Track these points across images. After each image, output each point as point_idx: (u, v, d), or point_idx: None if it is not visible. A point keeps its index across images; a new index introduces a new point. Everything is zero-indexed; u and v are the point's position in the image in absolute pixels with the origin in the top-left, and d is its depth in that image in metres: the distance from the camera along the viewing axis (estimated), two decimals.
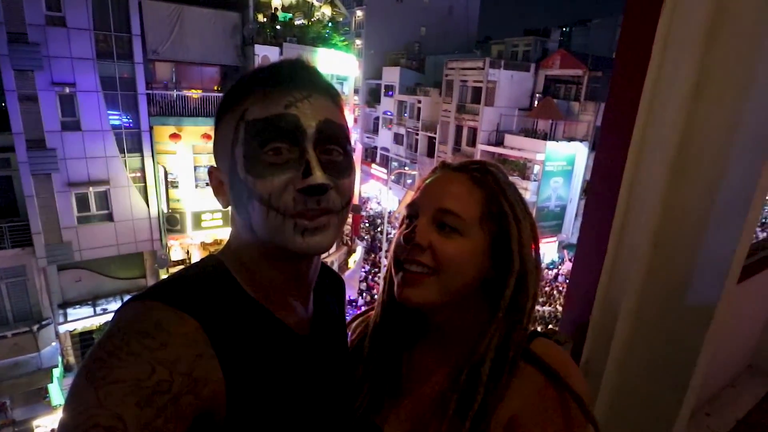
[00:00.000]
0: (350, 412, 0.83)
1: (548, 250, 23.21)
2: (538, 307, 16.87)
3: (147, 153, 11.96)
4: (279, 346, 0.68)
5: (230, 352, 0.59)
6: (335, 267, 15.29)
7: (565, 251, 23.01)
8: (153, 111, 11.96)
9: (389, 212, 21.09)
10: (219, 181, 0.70)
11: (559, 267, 22.52)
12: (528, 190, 21.36)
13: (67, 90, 10.63)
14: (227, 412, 0.58)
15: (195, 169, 12.67)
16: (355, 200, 18.38)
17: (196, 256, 14.84)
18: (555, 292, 19.21)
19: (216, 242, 14.46)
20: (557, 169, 21.68)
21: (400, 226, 0.86)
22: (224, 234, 13.18)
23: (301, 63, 0.67)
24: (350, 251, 16.74)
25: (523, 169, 21.97)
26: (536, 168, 21.55)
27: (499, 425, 0.72)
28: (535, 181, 21.43)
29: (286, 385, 0.67)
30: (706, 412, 2.37)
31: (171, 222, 12.39)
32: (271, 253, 0.68)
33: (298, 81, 0.65)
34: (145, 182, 12.08)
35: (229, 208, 0.71)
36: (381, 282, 0.94)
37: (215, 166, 0.70)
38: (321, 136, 0.63)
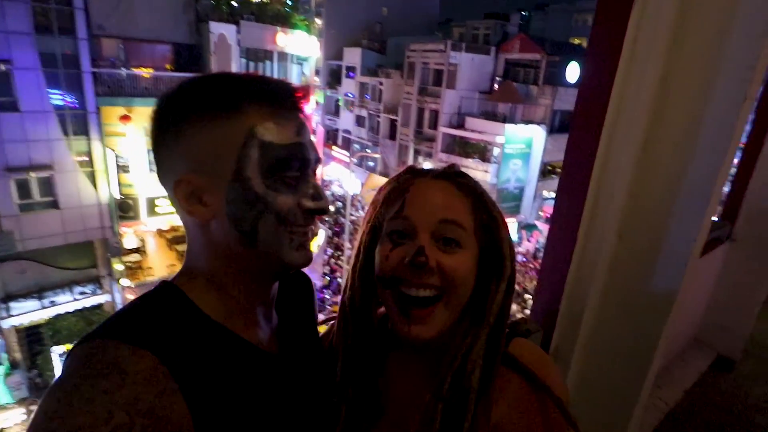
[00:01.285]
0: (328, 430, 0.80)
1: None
2: None
3: (94, 135, 11.26)
4: (247, 369, 0.66)
5: (194, 383, 0.57)
6: None
7: (524, 231, 23.70)
8: (100, 91, 11.23)
9: (352, 195, 21.02)
10: (192, 189, 0.64)
11: (518, 248, 23.18)
12: (488, 173, 21.78)
13: (3, 67, 9.83)
14: None
15: (148, 153, 12.09)
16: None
17: (152, 244, 14.32)
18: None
19: (173, 229, 13.95)
20: (516, 152, 22.17)
21: (384, 239, 0.79)
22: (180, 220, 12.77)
23: (301, 87, 0.72)
24: (312, 235, 16.58)
25: (483, 151, 22.34)
26: (496, 150, 21.94)
27: (484, 429, 0.71)
28: (494, 163, 21.84)
29: (258, 409, 0.65)
30: (657, 384, 2.51)
31: (123, 208, 11.81)
32: (251, 269, 0.68)
33: (296, 103, 0.68)
34: (93, 167, 11.39)
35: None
36: (344, 293, 0.87)
37: (188, 171, 0.64)
38: (315, 162, 0.71)
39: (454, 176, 0.80)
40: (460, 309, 0.76)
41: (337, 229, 22.29)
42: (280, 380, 0.71)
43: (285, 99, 0.67)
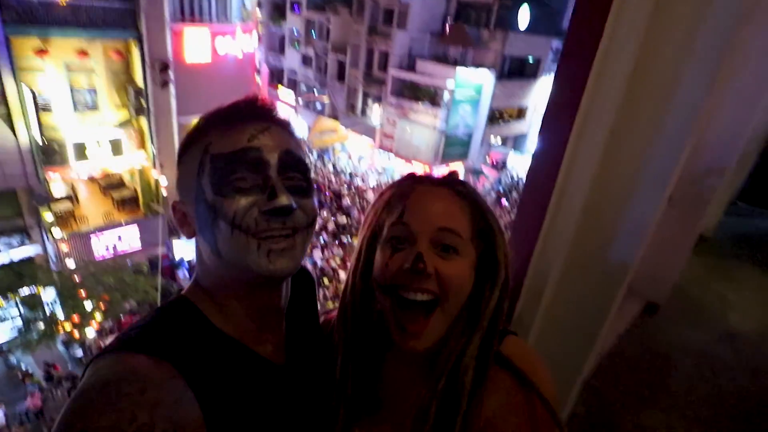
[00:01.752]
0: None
1: None
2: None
3: (6, 71, 10.03)
4: (256, 380, 0.70)
5: (208, 392, 0.61)
6: None
7: (470, 176, 24.28)
8: (8, 18, 9.92)
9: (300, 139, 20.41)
10: (182, 213, 0.73)
11: None
12: (438, 118, 21.77)
13: None
14: None
15: (72, 92, 11.02)
16: None
17: (84, 192, 13.42)
18: None
19: (106, 175, 13.09)
20: (466, 97, 22.19)
21: (384, 245, 0.80)
22: (115, 166, 11.94)
23: (257, 100, 0.74)
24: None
25: (433, 96, 22.17)
26: (446, 95, 21.85)
27: (476, 428, 0.76)
28: (444, 108, 21.81)
29: (265, 417, 0.68)
30: None
31: (48, 153, 10.86)
32: (239, 282, 0.70)
33: (256, 115, 0.72)
34: (7, 107, 10.25)
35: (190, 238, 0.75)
36: (345, 295, 0.89)
37: (179, 201, 0.74)
38: (282, 164, 0.70)
39: (453, 184, 0.82)
40: (456, 314, 0.79)
41: None
42: (286, 390, 0.74)
43: (237, 111, 0.71)
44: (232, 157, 0.67)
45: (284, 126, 0.75)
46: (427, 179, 0.84)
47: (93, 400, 0.52)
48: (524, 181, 1.52)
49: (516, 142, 27.47)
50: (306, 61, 27.84)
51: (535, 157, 1.50)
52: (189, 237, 0.74)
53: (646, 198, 1.39)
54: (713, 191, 3.04)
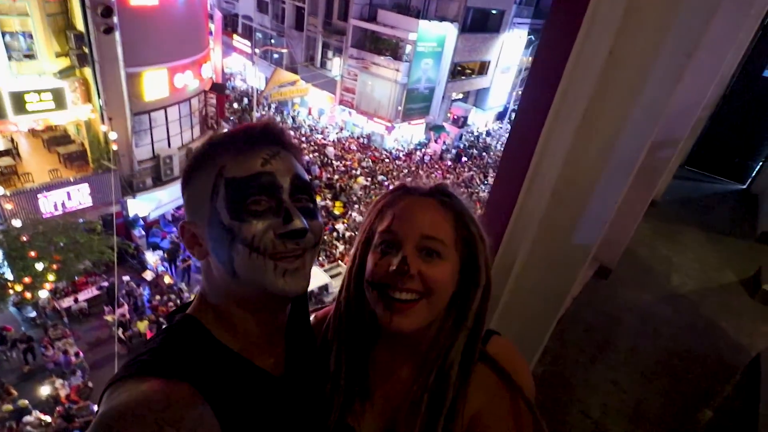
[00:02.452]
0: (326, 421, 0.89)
1: (416, 131, 24.27)
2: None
3: None
4: (260, 393, 0.74)
5: (223, 407, 0.64)
6: None
7: (432, 132, 24.29)
8: None
9: (257, 91, 19.66)
10: (192, 233, 0.75)
11: (426, 149, 23.87)
12: (399, 71, 21.37)
13: None
14: None
15: (4, 36, 10.01)
16: (218, 78, 16.33)
17: (26, 146, 12.53)
18: (420, 171, 20.58)
19: (49, 128, 12.21)
20: (428, 50, 21.80)
21: (375, 249, 0.87)
22: (58, 118, 11.11)
23: (269, 124, 0.76)
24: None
25: (395, 48, 21.64)
26: (408, 48, 21.38)
27: (463, 424, 0.83)
28: (406, 61, 21.39)
29: (271, 427, 0.73)
30: None
31: None
32: (251, 300, 0.74)
33: (267, 139, 0.74)
34: None
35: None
36: (341, 293, 0.96)
37: (188, 221, 0.76)
38: (294, 188, 0.74)
39: (439, 195, 0.88)
40: (440, 309, 0.85)
41: None
42: (285, 400, 0.78)
43: (250, 136, 0.74)
44: (248, 182, 0.70)
45: (292, 149, 0.78)
46: (416, 190, 0.89)
47: (118, 418, 0.54)
48: (499, 161, 1.56)
49: (477, 97, 27.50)
50: (261, 6, 26.33)
51: (510, 139, 1.54)
52: (200, 258, 0.76)
53: (613, 182, 1.46)
54: (667, 162, 3.22)
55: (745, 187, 5.21)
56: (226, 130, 0.77)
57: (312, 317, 1.03)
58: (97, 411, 0.59)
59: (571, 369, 2.58)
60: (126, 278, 11.63)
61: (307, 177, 0.78)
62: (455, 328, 0.85)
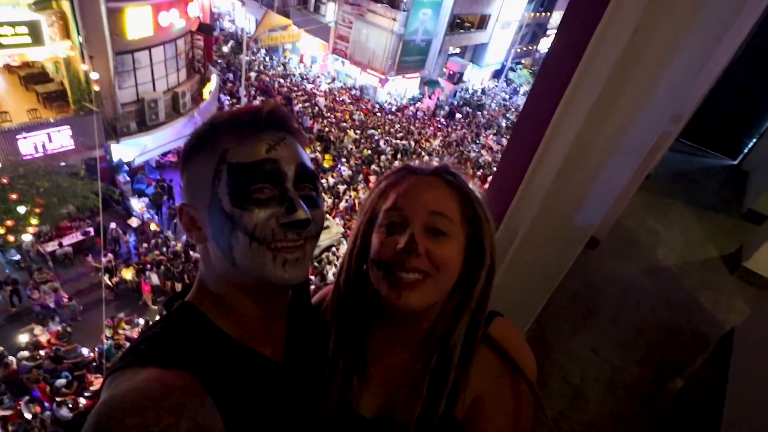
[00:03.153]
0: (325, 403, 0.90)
1: (410, 85, 23.73)
2: (397, 141, 17.87)
3: None
4: (261, 380, 0.74)
5: (223, 394, 0.64)
6: (187, 98, 13.73)
7: (426, 87, 23.77)
8: None
9: (247, 34, 18.84)
10: (191, 216, 0.73)
11: (419, 103, 23.44)
12: (396, 21, 20.60)
13: None
14: None
15: None
16: (206, 18, 15.53)
17: (1, 84, 11.95)
18: (412, 127, 20.30)
19: (26, 65, 11.62)
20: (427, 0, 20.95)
21: (380, 228, 0.85)
22: (34, 54, 10.51)
23: (274, 107, 0.73)
24: (204, 80, 14.94)
25: None
26: None
27: (461, 408, 0.83)
28: (404, 10, 20.56)
29: (272, 414, 0.73)
30: None
31: None
32: (251, 287, 0.73)
33: (272, 123, 0.72)
34: None
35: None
36: (340, 274, 0.93)
37: (186, 203, 0.74)
38: (298, 177, 0.72)
39: (444, 174, 0.87)
40: (448, 289, 0.84)
41: (229, 75, 20.35)
42: (286, 387, 0.78)
43: (256, 120, 0.71)
44: (252, 168, 0.68)
45: (297, 134, 0.76)
46: (420, 170, 0.88)
47: (118, 407, 0.54)
48: (511, 133, 1.54)
49: (475, 53, 26.79)
50: None
51: (524, 112, 1.50)
52: (199, 242, 0.74)
53: (620, 167, 1.46)
54: (668, 138, 3.21)
55: (736, 163, 5.26)
56: (228, 111, 0.73)
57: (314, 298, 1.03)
58: (98, 400, 0.59)
59: (555, 336, 2.67)
60: (112, 225, 11.50)
61: (311, 164, 0.76)
62: (459, 308, 0.85)
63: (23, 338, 9.06)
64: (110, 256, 10.77)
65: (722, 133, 5.29)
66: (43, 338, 9.10)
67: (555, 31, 1.56)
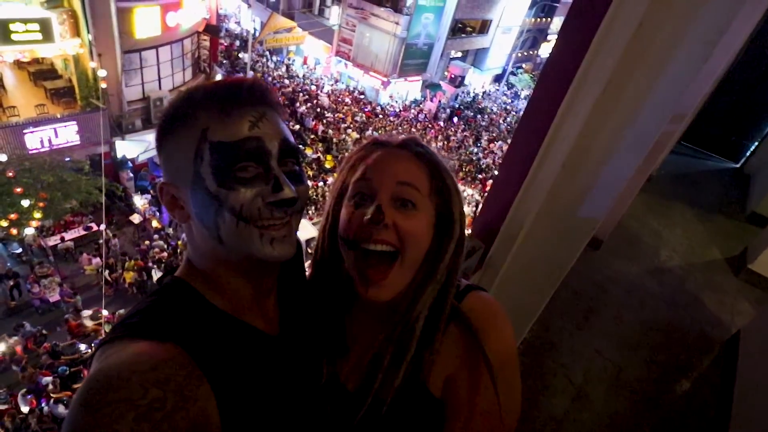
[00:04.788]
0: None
1: (412, 88, 23.78)
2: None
3: None
4: (255, 352, 0.73)
5: (214, 367, 0.63)
6: None
7: (428, 91, 23.82)
8: None
9: (253, 35, 18.92)
10: (172, 195, 0.71)
11: (421, 106, 23.48)
12: (399, 25, 20.66)
13: None
14: (222, 423, 0.63)
15: None
16: (213, 19, 15.64)
17: (10, 78, 12.02)
18: (413, 129, 20.31)
19: (36, 61, 11.68)
20: (430, 4, 21.01)
21: (348, 202, 0.85)
22: (44, 51, 10.61)
23: (254, 81, 0.71)
24: (209, 80, 14.99)
25: (396, 0, 20.81)
26: (409, 0, 20.58)
27: (437, 386, 0.81)
28: (407, 14, 20.64)
29: (267, 386, 0.72)
30: None
31: None
32: (239, 263, 0.72)
33: (252, 98, 0.69)
34: None
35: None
36: (316, 252, 0.94)
37: (167, 182, 0.72)
38: (281, 153, 0.70)
39: (413, 146, 0.86)
40: (416, 267, 0.83)
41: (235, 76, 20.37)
42: (282, 359, 0.78)
43: (236, 96, 0.68)
44: (235, 147, 0.66)
45: (277, 108, 0.74)
46: (389, 143, 0.88)
47: (104, 380, 0.54)
48: (514, 132, 1.55)
49: (476, 57, 26.86)
50: None
51: (530, 106, 1.52)
52: (182, 221, 0.73)
53: (624, 161, 1.47)
54: (671, 136, 3.22)
55: (738, 166, 5.27)
56: (206, 83, 0.71)
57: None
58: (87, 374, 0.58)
59: (558, 335, 2.68)
60: (102, 227, 11.31)
61: (293, 138, 0.75)
62: (424, 281, 0.83)
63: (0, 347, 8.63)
64: (98, 260, 10.58)
65: (724, 136, 5.30)
66: (20, 347, 8.72)
67: (555, 36, 1.57)
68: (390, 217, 0.79)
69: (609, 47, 1.29)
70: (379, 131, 18.90)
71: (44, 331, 9.21)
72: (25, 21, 9.82)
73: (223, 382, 0.63)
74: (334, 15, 22.81)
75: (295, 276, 0.90)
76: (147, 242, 11.49)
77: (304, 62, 24.58)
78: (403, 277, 0.81)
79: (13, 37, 9.80)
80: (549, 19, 27.95)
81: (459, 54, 25.69)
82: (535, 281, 1.82)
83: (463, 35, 24.44)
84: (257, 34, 20.09)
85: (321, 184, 14.64)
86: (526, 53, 28.93)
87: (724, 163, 5.36)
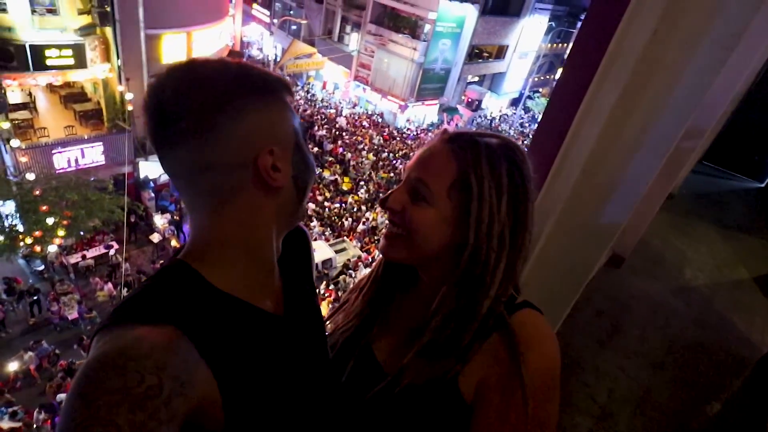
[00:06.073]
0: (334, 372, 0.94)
1: (429, 112, 24.03)
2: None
3: None
4: (260, 333, 0.72)
5: (215, 349, 0.62)
6: None
7: (445, 114, 24.05)
8: None
9: (274, 61, 19.45)
10: (273, 162, 0.69)
11: (437, 129, 23.65)
12: (417, 50, 21.06)
13: None
14: (225, 407, 0.62)
15: None
16: (237, 45, 16.22)
17: (43, 101, 12.56)
18: None
19: (67, 84, 12.21)
20: (447, 31, 21.42)
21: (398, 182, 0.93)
22: (76, 75, 11.12)
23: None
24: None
25: (414, 26, 21.28)
26: (427, 27, 21.02)
27: (470, 387, 0.81)
28: (424, 41, 21.05)
29: (273, 368, 0.71)
30: None
31: (4, 56, 9.92)
32: (290, 224, 0.81)
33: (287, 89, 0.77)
34: None
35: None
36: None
37: (264, 148, 0.69)
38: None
39: (457, 142, 0.86)
40: (426, 252, 0.87)
41: None
42: (288, 340, 0.77)
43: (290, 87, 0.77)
44: (305, 126, 0.77)
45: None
46: (445, 135, 0.90)
47: (100, 369, 0.53)
48: (531, 139, 1.55)
49: (493, 81, 27.11)
50: None
51: (546, 114, 1.52)
52: (279, 184, 0.71)
53: (644, 164, 1.45)
54: (690, 153, 3.17)
55: (763, 186, 5.14)
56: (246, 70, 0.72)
57: None
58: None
59: (581, 353, 2.60)
60: (112, 251, 11.48)
61: None
62: (443, 279, 0.87)
63: (13, 366, 8.74)
64: (110, 286, 10.73)
65: (746, 155, 5.19)
66: (33, 365, 8.85)
67: None
68: (398, 204, 0.86)
69: (624, 55, 1.29)
70: (396, 153, 19.06)
71: (57, 351, 9.26)
72: (59, 47, 10.32)
73: (225, 365, 0.62)
74: (354, 41, 23.38)
75: (300, 257, 0.93)
76: (162, 262, 11.61)
77: (323, 87, 25.12)
78: (405, 249, 0.87)
79: (48, 62, 10.35)
80: (565, 44, 28.16)
81: (476, 78, 25.99)
82: (555, 289, 1.78)
83: (479, 60, 24.77)
84: (278, 59, 20.67)
85: (337, 205, 14.72)
86: (542, 78, 29.11)
87: (748, 182, 5.24)
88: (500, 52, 25.45)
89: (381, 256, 0.96)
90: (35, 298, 9.97)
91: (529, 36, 25.55)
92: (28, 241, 9.66)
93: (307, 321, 0.85)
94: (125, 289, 10.22)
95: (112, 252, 11.41)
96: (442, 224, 0.83)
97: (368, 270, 1.10)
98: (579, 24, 25.05)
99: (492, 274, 0.82)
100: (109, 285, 10.74)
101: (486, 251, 0.81)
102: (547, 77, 29.47)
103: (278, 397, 0.71)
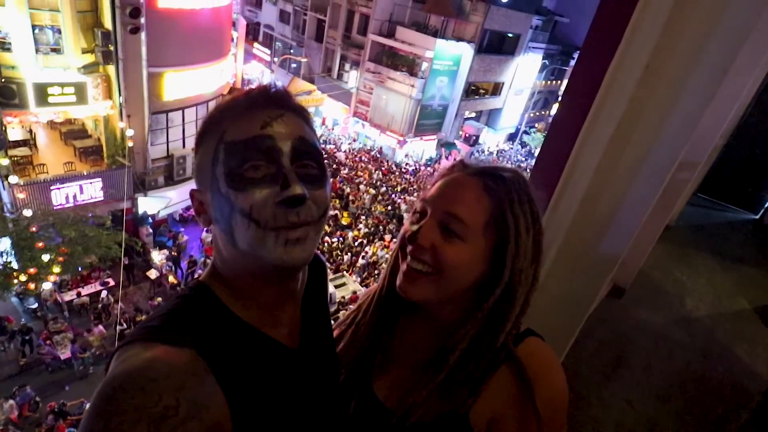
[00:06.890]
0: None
1: (427, 147, 24.39)
2: (411, 198, 18.12)
3: None
4: (273, 364, 0.72)
5: (230, 376, 0.63)
6: None
7: (443, 149, 24.40)
8: None
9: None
10: (200, 201, 0.72)
11: (437, 164, 23.93)
12: (414, 87, 21.58)
13: None
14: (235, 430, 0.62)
15: (34, 30, 10.23)
16: (238, 83, 16.57)
17: (43, 137, 12.71)
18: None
19: (68, 121, 12.39)
20: (444, 68, 22.04)
21: (413, 215, 0.88)
22: (78, 112, 11.30)
23: (273, 87, 0.72)
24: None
25: (411, 64, 21.89)
26: (424, 65, 21.63)
27: (482, 422, 0.80)
28: (422, 78, 21.61)
29: (284, 399, 0.72)
30: None
31: (6, 94, 10.12)
32: (258, 270, 0.70)
33: (270, 102, 0.69)
34: None
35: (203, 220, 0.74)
36: (387, 262, 0.98)
37: (197, 188, 0.73)
38: (296, 152, 0.68)
39: (487, 177, 0.84)
40: (451, 290, 0.83)
41: None
42: (300, 372, 0.77)
43: (255, 100, 0.69)
44: (245, 145, 0.65)
45: (299, 112, 0.73)
46: (468, 167, 0.88)
47: (120, 386, 0.54)
48: (530, 172, 1.58)
49: (490, 117, 27.65)
50: (283, 17, 26.76)
51: (545, 146, 1.56)
52: (205, 225, 0.73)
53: (641, 195, 1.48)
54: (685, 184, 3.22)
55: (757, 217, 5.18)
56: (232, 93, 0.74)
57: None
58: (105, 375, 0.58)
59: (586, 386, 2.56)
60: (103, 294, 11.26)
61: (316, 141, 0.73)
62: (467, 315, 0.83)
63: None
64: (100, 329, 10.48)
65: (740, 187, 5.25)
66: (14, 414, 8.44)
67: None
68: (428, 240, 0.80)
69: (618, 88, 1.34)
70: (395, 188, 19.20)
71: (37, 399, 8.85)
72: (62, 85, 10.52)
73: (237, 392, 0.63)
74: (353, 79, 23.96)
75: (317, 290, 0.91)
76: (159, 299, 11.49)
77: (323, 123, 25.55)
78: (432, 289, 0.83)
79: (50, 99, 10.51)
80: (559, 81, 28.95)
81: (473, 114, 26.53)
82: (559, 320, 1.78)
83: (476, 97, 25.36)
84: None
85: (336, 240, 14.70)
86: (538, 113, 29.74)
87: (743, 214, 5.28)
88: (496, 89, 26.10)
89: (401, 294, 0.86)
90: (27, 337, 9.75)
91: (524, 73, 26.28)
92: (23, 278, 9.54)
93: (320, 355, 0.85)
94: (120, 326, 10.03)
95: (104, 294, 11.20)
96: (475, 262, 0.81)
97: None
98: (572, 62, 25.80)
99: (517, 309, 0.82)
100: (100, 327, 10.52)
101: (516, 287, 0.82)
102: (543, 113, 30.12)
103: (285, 426, 0.71)
